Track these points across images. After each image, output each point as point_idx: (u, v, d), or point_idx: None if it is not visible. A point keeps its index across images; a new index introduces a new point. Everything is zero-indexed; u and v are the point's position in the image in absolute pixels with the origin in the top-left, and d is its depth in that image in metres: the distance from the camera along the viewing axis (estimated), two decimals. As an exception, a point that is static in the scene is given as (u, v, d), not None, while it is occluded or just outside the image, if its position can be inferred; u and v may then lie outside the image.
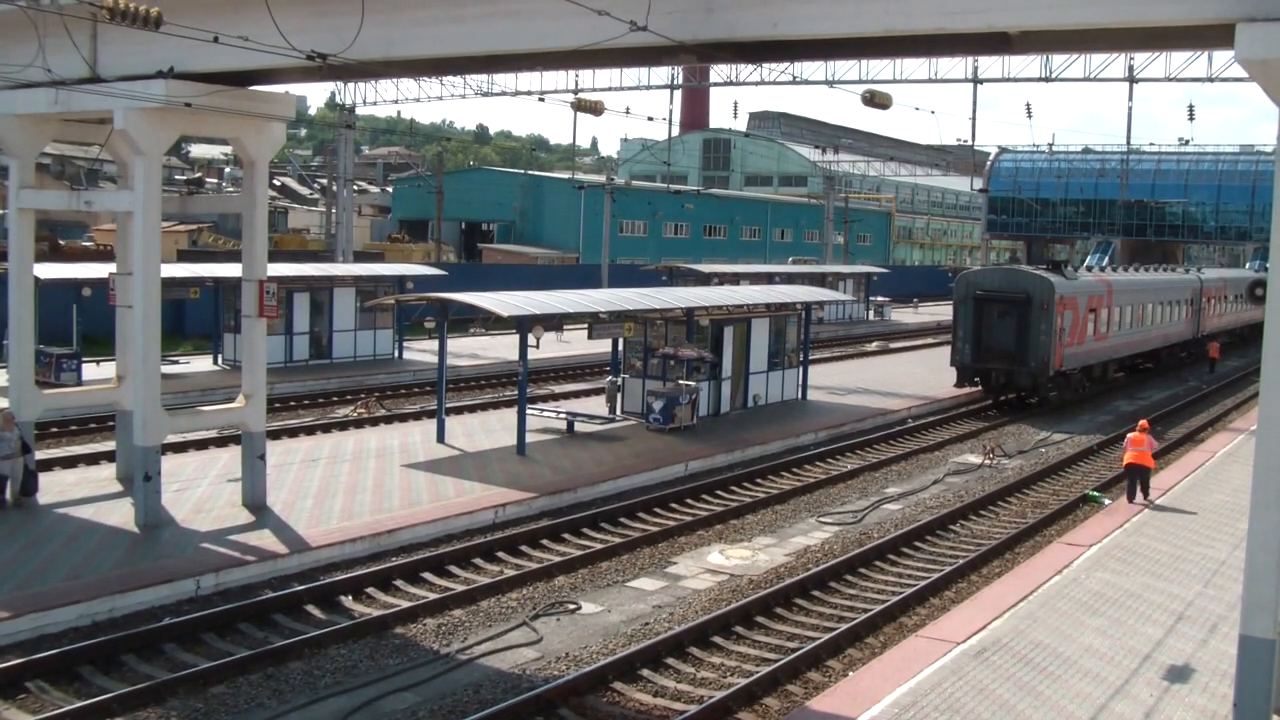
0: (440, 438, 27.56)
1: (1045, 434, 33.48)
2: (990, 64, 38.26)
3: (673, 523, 21.80)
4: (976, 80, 39.32)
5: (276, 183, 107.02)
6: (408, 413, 32.76)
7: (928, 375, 42.91)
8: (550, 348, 45.92)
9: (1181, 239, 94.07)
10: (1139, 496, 22.91)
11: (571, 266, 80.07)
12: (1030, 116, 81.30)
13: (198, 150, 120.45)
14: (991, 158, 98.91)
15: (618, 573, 18.81)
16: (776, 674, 14.34)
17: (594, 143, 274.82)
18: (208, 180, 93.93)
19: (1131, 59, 37.55)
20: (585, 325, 31.04)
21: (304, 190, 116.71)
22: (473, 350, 46.20)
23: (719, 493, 24.48)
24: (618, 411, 31.28)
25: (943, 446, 31.12)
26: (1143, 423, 23.73)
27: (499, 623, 16.25)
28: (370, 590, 17.37)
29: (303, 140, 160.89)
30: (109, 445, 25.10)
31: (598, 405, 32.79)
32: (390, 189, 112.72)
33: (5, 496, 20.09)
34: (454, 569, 18.59)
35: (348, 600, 16.95)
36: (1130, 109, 77.56)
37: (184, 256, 57.84)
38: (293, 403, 34.30)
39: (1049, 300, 35.96)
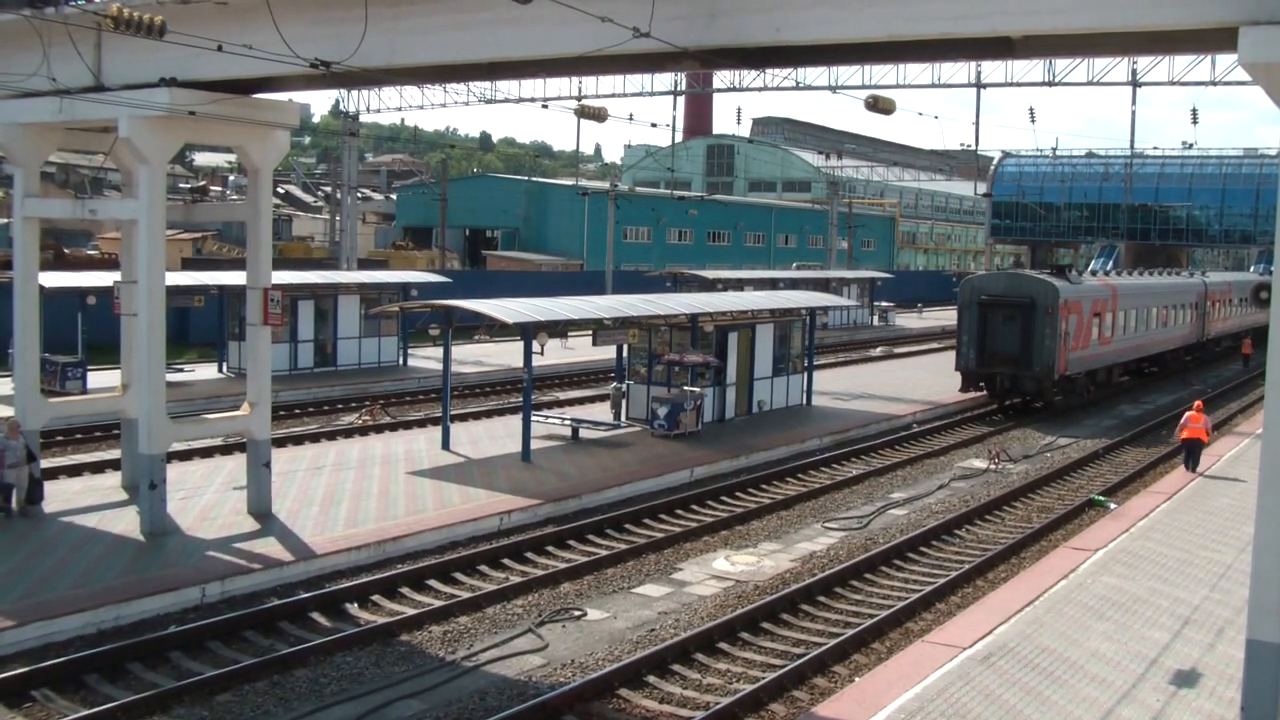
0: (445, 444, 27.57)
1: (1050, 438, 33.43)
2: (993, 69, 38.22)
3: (678, 529, 21.79)
4: (980, 85, 39.21)
5: (281, 190, 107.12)
6: (412, 420, 32.78)
7: (932, 380, 42.88)
8: (555, 354, 45.92)
9: (1186, 242, 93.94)
10: (1194, 467, 26.27)
11: (576, 273, 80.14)
12: (1034, 121, 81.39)
13: (202, 158, 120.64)
14: (995, 162, 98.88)
15: (623, 579, 18.80)
16: (783, 680, 14.32)
17: (597, 149, 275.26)
18: (212, 188, 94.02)
19: (1135, 63, 37.47)
20: (590, 331, 31.03)
21: (308, 198, 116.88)
22: (477, 357, 46.23)
23: (724, 499, 24.46)
24: (623, 418, 31.27)
25: (948, 451, 31.08)
26: (1198, 403, 26.81)
27: (505, 630, 16.24)
28: (376, 597, 17.36)
29: (307, 148, 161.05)
30: (114, 453, 25.11)
31: (603, 412, 32.79)
32: (394, 196, 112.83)
33: (11, 505, 20.10)
34: (460, 576, 18.58)
35: (353, 607, 16.94)
36: (1134, 113, 77.26)
37: (188, 264, 58.02)
38: (298, 410, 34.33)
39: (1053, 304, 35.94)
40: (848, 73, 34.39)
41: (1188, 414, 26.40)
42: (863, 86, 34.33)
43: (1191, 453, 26.50)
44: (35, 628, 14.91)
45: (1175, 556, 19.35)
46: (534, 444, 26.84)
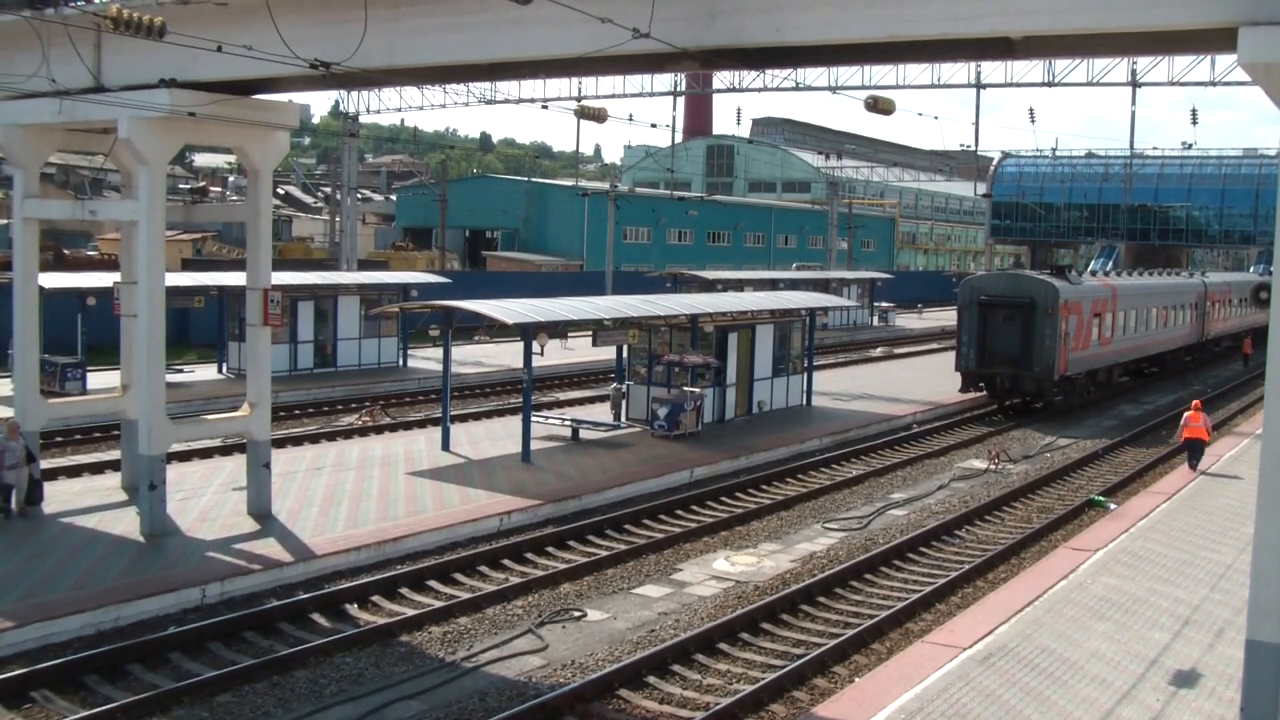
0: (445, 445, 27.57)
1: (1050, 439, 33.42)
2: (993, 69, 38.19)
3: (678, 529, 21.78)
4: (979, 85, 39.19)
5: (280, 191, 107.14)
6: (412, 420, 32.78)
7: (932, 380, 42.87)
8: (554, 355, 45.90)
9: (1185, 243, 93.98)
10: (1196, 465, 26.84)
11: (575, 273, 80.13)
12: (1033, 121, 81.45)
13: (202, 159, 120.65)
14: (995, 162, 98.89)
15: (623, 580, 18.80)
16: (783, 681, 14.32)
17: (597, 150, 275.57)
18: (212, 189, 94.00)
19: (1134, 63, 37.48)
20: (590, 332, 31.04)
21: (308, 199, 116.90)
22: (477, 358, 46.23)
23: (724, 499, 24.45)
24: (623, 418, 31.27)
25: (948, 452, 31.07)
26: (1196, 402, 27.71)
27: (505, 630, 16.24)
28: (376, 598, 17.36)
29: (306, 149, 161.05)
30: (114, 454, 25.12)
31: (603, 412, 32.79)
32: (394, 197, 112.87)
33: (11, 506, 20.10)
34: (460, 577, 18.58)
35: (353, 608, 16.94)
36: (1133, 113, 77.31)
37: (188, 265, 57.98)
38: (297, 411, 34.31)
39: (1053, 305, 35.94)
40: (848, 73, 34.37)
41: (1186, 414, 27.01)
42: (863, 87, 34.31)
43: (1194, 452, 26.96)
44: (35, 629, 14.90)
45: (1175, 557, 19.35)
46: (534, 445, 26.83)
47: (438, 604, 17.02)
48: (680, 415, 29.27)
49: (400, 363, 43.62)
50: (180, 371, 38.62)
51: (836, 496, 25.28)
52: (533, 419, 27.26)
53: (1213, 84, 33.33)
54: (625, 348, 31.70)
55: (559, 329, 28.86)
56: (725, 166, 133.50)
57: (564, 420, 30.34)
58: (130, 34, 14.95)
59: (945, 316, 74.02)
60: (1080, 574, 18.13)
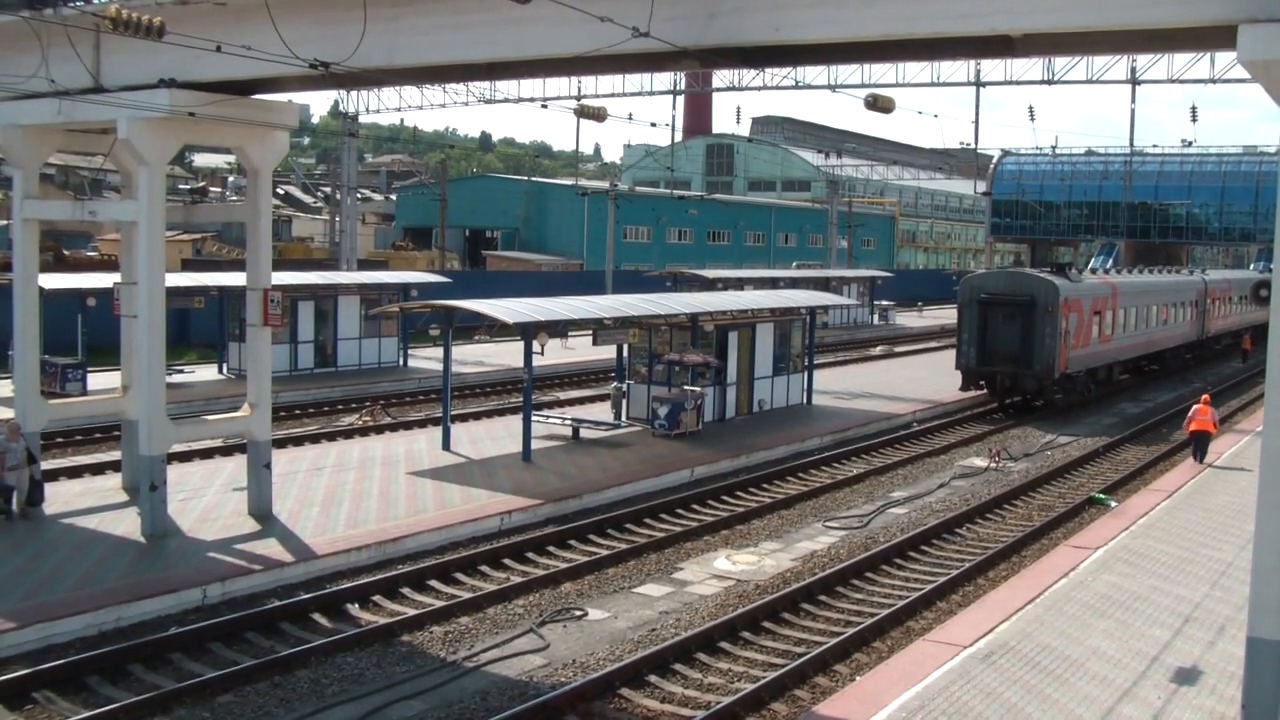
0: (445, 445, 27.57)
1: (1051, 437, 33.42)
2: (993, 67, 38.22)
3: (679, 528, 21.79)
4: (979, 83, 39.24)
5: (280, 191, 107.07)
6: (413, 420, 32.78)
7: (933, 379, 42.87)
8: (555, 354, 45.90)
9: (1185, 240, 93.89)
10: (1202, 459, 27.23)
11: (576, 273, 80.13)
12: (1033, 119, 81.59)
13: (201, 159, 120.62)
14: (995, 160, 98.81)
15: (624, 579, 18.80)
16: (784, 679, 14.32)
17: (597, 149, 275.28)
18: (211, 189, 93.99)
19: (1134, 61, 37.53)
20: (590, 331, 31.03)
21: (308, 199, 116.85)
22: (477, 357, 46.23)
23: (725, 498, 24.45)
24: (623, 418, 31.26)
25: (948, 450, 31.07)
26: (1205, 396, 28.31)
27: (506, 630, 16.24)
28: (377, 598, 17.36)
29: (306, 148, 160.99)
30: (114, 455, 25.11)
31: (603, 411, 32.79)
32: (394, 197, 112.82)
33: (12, 507, 20.10)
34: (460, 576, 18.58)
35: (354, 608, 16.94)
36: (1133, 110, 77.01)
37: (188, 265, 57.97)
38: (298, 411, 34.32)
39: (1053, 303, 35.94)
40: (847, 72, 34.39)
41: (1195, 407, 27.41)
42: (862, 85, 34.34)
43: (1200, 445, 27.27)
44: (36, 629, 14.90)
45: (1176, 554, 19.35)
46: (535, 444, 26.83)
47: (439, 604, 17.03)
48: (681, 414, 29.27)
49: (400, 362, 43.62)
50: (180, 372, 38.61)
51: (837, 495, 25.28)
52: (533, 418, 27.26)
53: (1212, 81, 33.35)
54: (625, 347, 31.69)
55: (559, 328, 28.90)
56: (725, 165, 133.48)
57: (564, 419, 30.33)
58: (129, 34, 14.95)
59: (945, 315, 74.01)
60: (1081, 572, 18.13)
